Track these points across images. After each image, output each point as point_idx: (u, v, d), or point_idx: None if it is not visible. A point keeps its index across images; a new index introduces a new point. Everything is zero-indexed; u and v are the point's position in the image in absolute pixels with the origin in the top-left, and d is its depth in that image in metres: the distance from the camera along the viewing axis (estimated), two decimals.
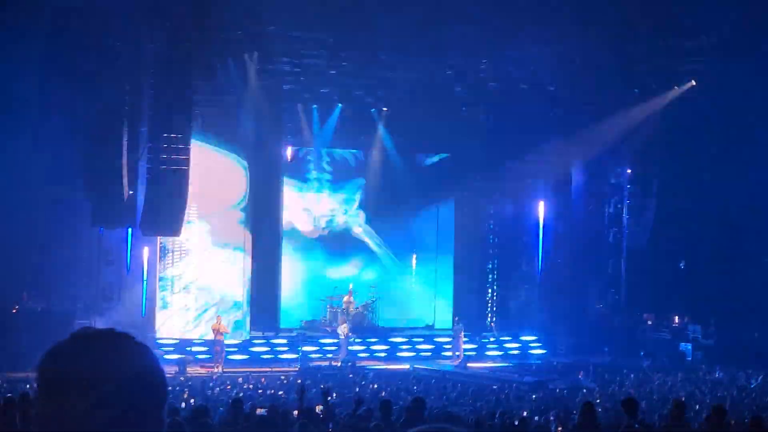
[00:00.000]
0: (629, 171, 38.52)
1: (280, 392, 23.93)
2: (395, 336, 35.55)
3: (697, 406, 21.45)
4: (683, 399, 21.41)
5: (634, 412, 11.93)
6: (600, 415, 14.74)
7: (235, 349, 32.05)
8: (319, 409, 14.94)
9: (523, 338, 36.65)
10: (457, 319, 34.89)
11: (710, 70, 33.11)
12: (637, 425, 11.64)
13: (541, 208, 39.05)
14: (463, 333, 33.91)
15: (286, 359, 32.26)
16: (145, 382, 2.30)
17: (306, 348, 32.46)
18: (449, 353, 34.14)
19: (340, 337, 32.70)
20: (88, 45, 27.68)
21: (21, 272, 29.46)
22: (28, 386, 21.59)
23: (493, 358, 34.71)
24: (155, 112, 29.06)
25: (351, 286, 36.04)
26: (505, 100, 35.92)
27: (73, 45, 27.67)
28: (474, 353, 34.78)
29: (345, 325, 32.85)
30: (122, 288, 32.12)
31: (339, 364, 31.38)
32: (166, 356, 30.18)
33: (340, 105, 36.20)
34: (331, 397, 20.32)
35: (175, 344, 31.72)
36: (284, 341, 33.43)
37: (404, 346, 34.89)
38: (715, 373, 30.20)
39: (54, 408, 2.24)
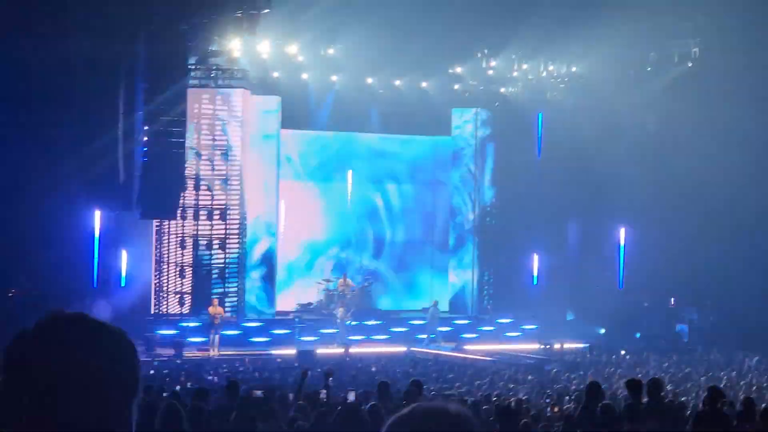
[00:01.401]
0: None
1: (277, 375, 23.97)
2: (392, 319, 35.52)
3: (689, 385, 21.57)
4: (661, 378, 21.56)
5: (638, 393, 11.95)
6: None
7: (232, 331, 32.01)
8: (323, 394, 14.94)
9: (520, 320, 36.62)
10: (435, 302, 34.87)
11: (707, 51, 33.16)
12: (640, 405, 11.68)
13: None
14: (438, 315, 34.14)
15: (283, 342, 32.23)
16: (115, 371, 2.23)
17: (305, 338, 32.44)
18: (443, 336, 34.15)
19: (338, 320, 32.75)
20: (83, 27, 27.57)
21: (17, 256, 29.39)
22: None
23: (489, 340, 34.69)
24: (151, 95, 28.98)
25: (345, 274, 36.00)
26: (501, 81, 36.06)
27: (68, 27, 27.57)
28: (473, 335, 34.90)
29: (342, 308, 32.87)
30: (119, 271, 32.10)
31: (337, 347, 31.51)
32: (162, 335, 30.30)
33: (336, 87, 36.20)
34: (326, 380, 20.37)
35: (171, 326, 31.70)
36: (281, 326, 33.34)
37: (401, 328, 34.86)
38: (710, 354, 30.28)
39: (16, 394, 2.17)
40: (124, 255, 31.95)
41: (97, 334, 2.26)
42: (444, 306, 36.99)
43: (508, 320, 36.43)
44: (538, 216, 38.47)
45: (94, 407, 2.19)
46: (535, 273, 38.93)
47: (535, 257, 39.00)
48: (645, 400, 12.12)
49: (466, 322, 36.23)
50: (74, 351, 2.20)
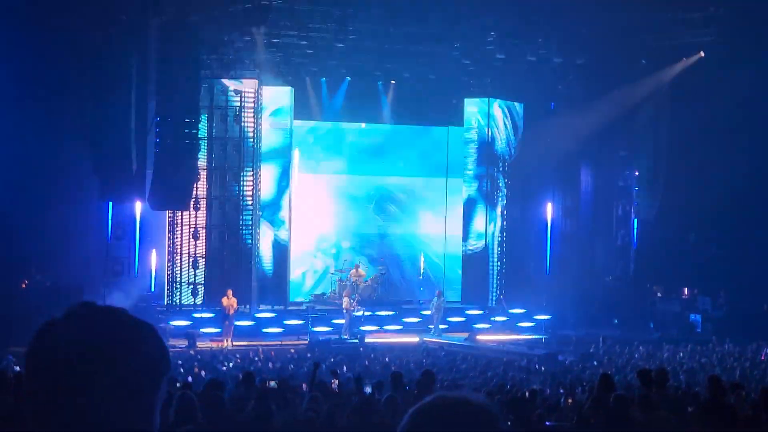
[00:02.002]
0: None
1: (290, 366, 23.99)
2: (404, 308, 35.47)
3: (703, 376, 21.48)
4: (670, 368, 21.49)
5: (648, 382, 11.91)
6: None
7: (245, 322, 32.01)
8: (335, 383, 14.95)
9: (533, 310, 36.47)
10: (438, 292, 34.54)
11: (719, 41, 33.01)
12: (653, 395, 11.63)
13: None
14: (443, 306, 34.03)
15: (296, 332, 32.23)
16: (141, 363, 2.25)
17: (318, 328, 32.44)
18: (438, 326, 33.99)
19: (343, 310, 32.82)
20: (94, 18, 27.60)
21: (30, 247, 29.46)
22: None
23: (502, 331, 34.62)
24: (163, 86, 29.00)
25: (359, 263, 36.04)
26: (511, 73, 35.96)
27: (79, 18, 27.60)
28: (487, 326, 34.86)
29: (347, 298, 32.89)
30: (132, 262, 32.19)
31: (347, 336, 31.57)
32: (176, 326, 30.30)
33: (348, 78, 36.17)
34: (341, 371, 20.38)
35: (184, 317, 31.72)
36: (294, 317, 33.27)
37: (413, 319, 34.81)
38: (724, 344, 30.20)
39: (43, 385, 2.19)
40: (137, 246, 32.04)
41: (125, 326, 2.27)
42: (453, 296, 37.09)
43: (521, 310, 36.33)
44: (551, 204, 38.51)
45: (118, 399, 2.19)
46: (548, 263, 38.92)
47: (548, 246, 38.99)
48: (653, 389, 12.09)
49: (479, 312, 36.13)
50: (101, 341, 2.21)
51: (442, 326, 33.84)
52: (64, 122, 29.17)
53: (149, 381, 2.26)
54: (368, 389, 14.09)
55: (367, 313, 33.60)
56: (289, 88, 34.87)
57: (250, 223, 33.59)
